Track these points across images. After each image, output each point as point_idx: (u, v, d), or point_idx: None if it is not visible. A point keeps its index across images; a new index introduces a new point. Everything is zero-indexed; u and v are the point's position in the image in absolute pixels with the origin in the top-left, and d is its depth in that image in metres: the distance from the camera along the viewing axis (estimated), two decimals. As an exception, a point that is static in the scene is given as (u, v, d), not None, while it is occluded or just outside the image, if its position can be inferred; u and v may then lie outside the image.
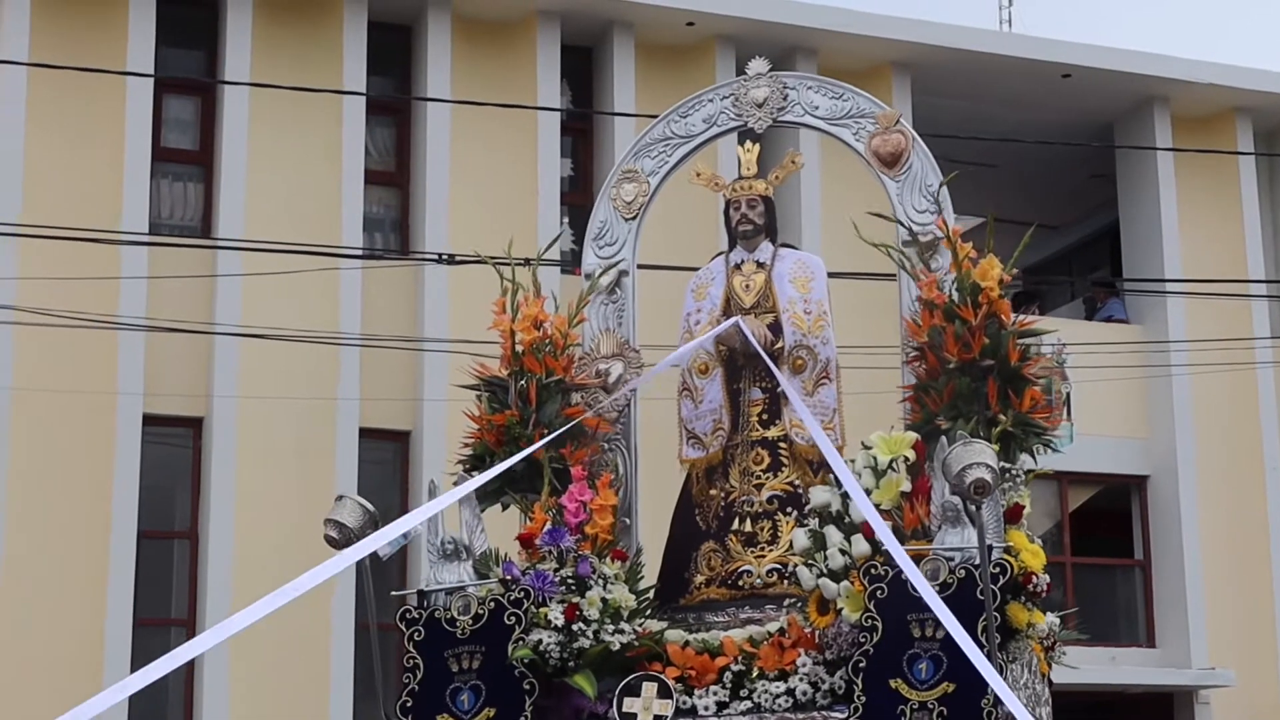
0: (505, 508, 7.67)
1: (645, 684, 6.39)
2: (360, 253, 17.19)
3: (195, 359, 16.60)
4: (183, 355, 16.50)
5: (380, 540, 6.71)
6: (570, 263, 16.59)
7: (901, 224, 7.91)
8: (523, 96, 17.55)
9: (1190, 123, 20.08)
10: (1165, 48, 20.73)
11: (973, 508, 6.58)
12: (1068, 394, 19.23)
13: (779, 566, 7.61)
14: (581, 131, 18.84)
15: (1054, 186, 21.78)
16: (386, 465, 17.56)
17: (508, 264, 8.03)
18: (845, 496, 7.01)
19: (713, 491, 7.90)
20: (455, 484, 7.47)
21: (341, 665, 16.25)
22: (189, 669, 16.15)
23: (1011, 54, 19.08)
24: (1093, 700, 19.48)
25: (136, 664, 15.87)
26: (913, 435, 7.13)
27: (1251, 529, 19.46)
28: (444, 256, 15.52)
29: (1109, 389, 19.02)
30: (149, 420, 16.46)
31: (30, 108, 16.41)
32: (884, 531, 6.61)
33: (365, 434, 17.07)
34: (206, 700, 15.93)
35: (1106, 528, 19.79)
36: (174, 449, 16.99)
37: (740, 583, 7.67)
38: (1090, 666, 18.89)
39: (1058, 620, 7.62)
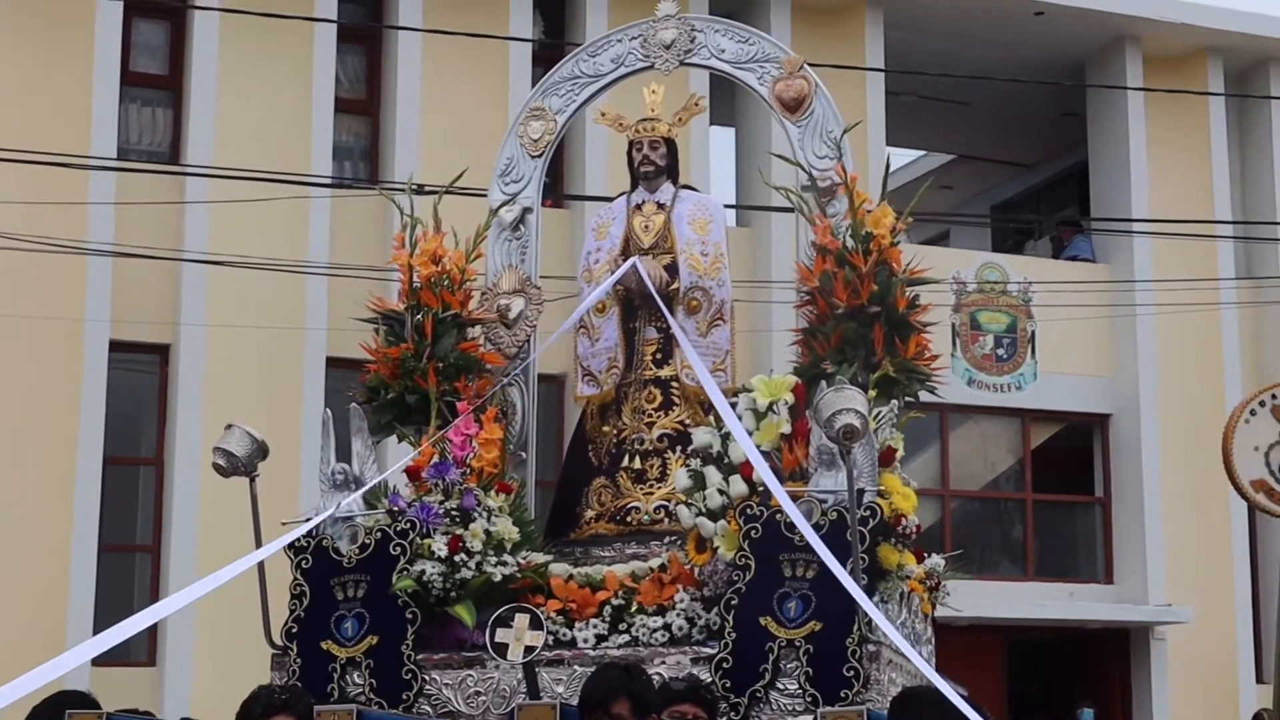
0: (401, 440, 7.81)
1: (518, 615, 6.50)
2: (329, 181, 17.26)
3: (163, 285, 16.68)
4: (151, 282, 16.58)
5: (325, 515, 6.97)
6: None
7: (802, 167, 7.98)
8: (495, 26, 17.56)
9: (1161, 62, 20.07)
10: (1138, -14, 20.63)
11: (844, 451, 6.68)
12: (1033, 332, 19.34)
13: (667, 504, 7.74)
14: (553, 62, 18.67)
15: (1025, 124, 21.79)
16: (353, 395, 17.64)
17: (474, 195, 8.14)
18: (725, 438, 7.13)
19: (605, 428, 8.03)
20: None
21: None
22: (152, 598, 16.32)
23: (984, -9, 19.08)
24: (1051, 635, 19.69)
25: (102, 590, 16.07)
26: (792, 379, 7.24)
27: (1212, 469, 19.24)
28: (413, 186, 15.56)
29: (1074, 328, 19.12)
30: (116, 346, 16.57)
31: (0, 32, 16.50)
32: (764, 469, 6.73)
33: (332, 363, 17.16)
34: (171, 629, 16.08)
35: (1068, 465, 19.94)
36: (141, 375, 17.12)
37: (629, 519, 7.81)
38: (1049, 602, 19.11)
39: (941, 561, 7.74)
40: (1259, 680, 19.50)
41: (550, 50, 18.76)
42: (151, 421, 17.02)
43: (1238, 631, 19.37)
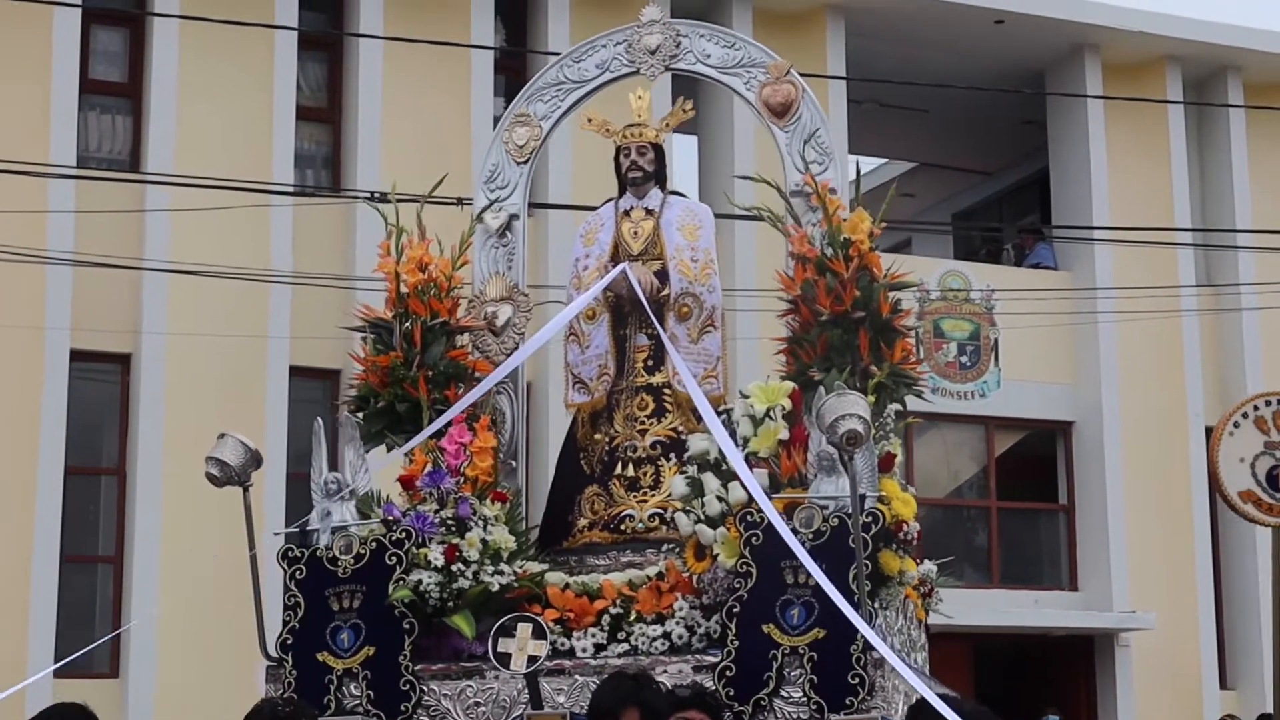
0: (390, 449, 7.73)
1: (520, 625, 6.45)
2: (291, 189, 17.15)
3: (124, 294, 16.54)
4: (111, 290, 16.44)
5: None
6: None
7: (768, 183, 7.95)
8: (456, 34, 17.49)
9: (1121, 70, 20.19)
10: (1098, -5, 20.77)
11: (846, 457, 6.65)
12: (995, 339, 19.38)
13: (661, 511, 7.68)
14: (514, 70, 18.80)
15: (985, 132, 21.87)
16: (316, 404, 17.53)
17: (441, 204, 8.06)
18: (725, 443, 7.08)
19: (597, 436, 7.96)
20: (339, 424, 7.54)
21: (270, 602, 16.25)
22: (115, 609, 16.19)
23: (945, -1, 19.14)
24: (1015, 642, 19.72)
25: (63, 601, 15.92)
26: (789, 385, 7.20)
27: (1174, 475, 19.67)
28: (375, 194, 15.53)
29: (1036, 335, 19.16)
30: (77, 356, 16.42)
31: (-44, 40, 16.32)
32: (750, 481, 6.69)
33: (295, 372, 17.07)
34: (134, 641, 15.93)
35: (1032, 472, 20.00)
36: (102, 385, 16.97)
37: (622, 527, 7.74)
38: (1013, 609, 19.16)
39: (935, 568, 7.72)
40: (1223, 686, 19.63)
41: (512, 58, 18.74)
42: (113, 431, 16.87)
43: (1201, 637, 19.46)
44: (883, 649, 6.11)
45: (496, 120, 18.04)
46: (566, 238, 16.72)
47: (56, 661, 14.91)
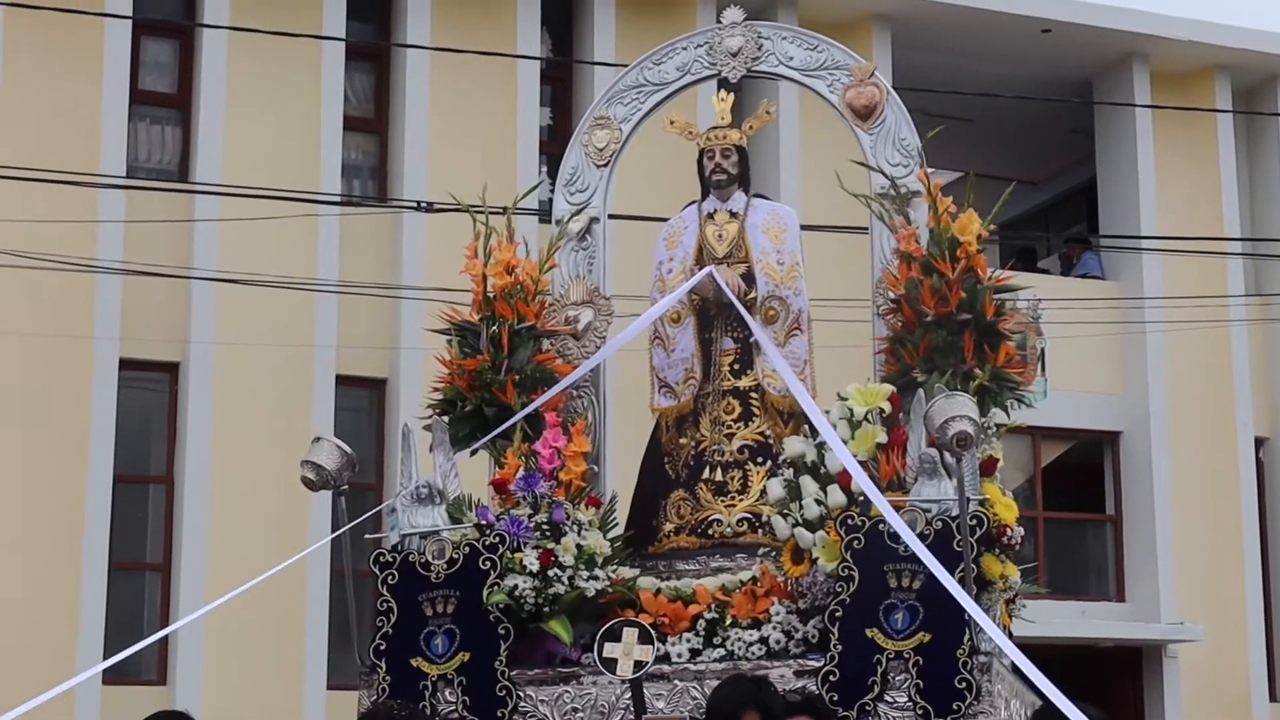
0: (474, 453, 7.67)
1: (626, 629, 6.38)
2: (338, 199, 17.15)
3: (172, 303, 16.56)
4: (160, 300, 16.47)
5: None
6: (548, 212, 16.56)
7: (883, 174, 7.91)
8: (503, 44, 17.51)
9: (1169, 79, 20.11)
10: (1146, 3, 20.69)
11: (952, 460, 6.60)
12: (1043, 349, 19.29)
13: (749, 516, 7.60)
14: (561, 80, 18.80)
15: (1032, 142, 21.80)
16: (362, 413, 17.56)
17: (485, 212, 8.01)
18: (821, 447, 7.02)
19: (683, 440, 7.87)
20: (426, 429, 7.48)
21: (317, 611, 16.29)
22: (163, 617, 16.18)
23: (992, 8, 19.07)
24: (1062, 653, 19.55)
25: (112, 608, 15.93)
26: (888, 387, 7.14)
27: (1222, 486, 19.58)
28: (422, 204, 15.55)
29: (1084, 345, 19.09)
30: (125, 365, 16.45)
31: (7, 49, 16.33)
32: (863, 479, 6.62)
33: (342, 381, 17.08)
34: (181, 648, 15.94)
35: (1079, 482, 19.90)
36: (150, 393, 17.00)
37: (710, 531, 7.65)
38: (1060, 620, 19.05)
39: (1019, 573, 7.65)
40: (1273, 699, 19.50)
41: (558, 68, 18.73)
42: (161, 439, 16.88)
43: (1250, 649, 19.35)
44: (1010, 650, 6.01)
45: (543, 130, 18.16)
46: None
47: (105, 671, 14.91)
